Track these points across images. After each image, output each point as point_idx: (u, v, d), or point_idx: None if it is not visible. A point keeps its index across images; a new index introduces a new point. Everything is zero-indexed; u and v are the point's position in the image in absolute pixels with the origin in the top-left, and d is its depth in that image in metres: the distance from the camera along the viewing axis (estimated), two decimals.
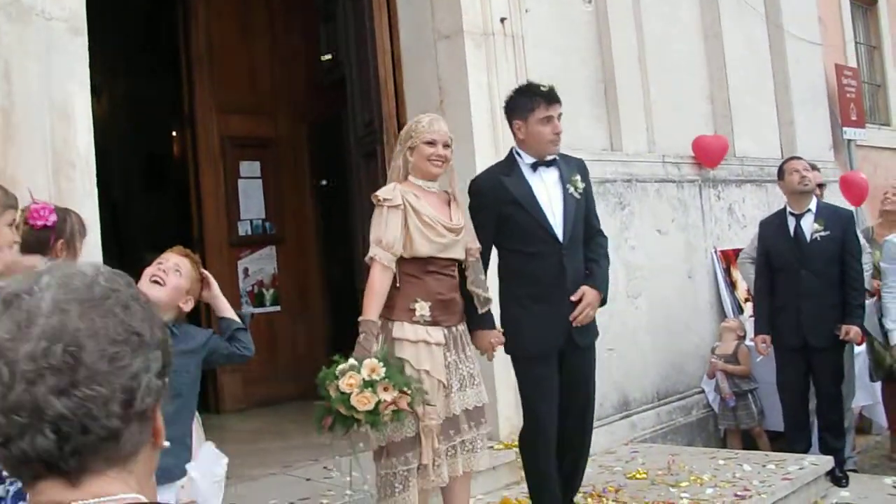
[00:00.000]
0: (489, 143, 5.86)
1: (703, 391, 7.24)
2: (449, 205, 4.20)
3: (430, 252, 4.03)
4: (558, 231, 4.37)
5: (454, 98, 5.96)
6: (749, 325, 7.39)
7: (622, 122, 6.96)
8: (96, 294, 1.10)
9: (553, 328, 4.37)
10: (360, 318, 3.98)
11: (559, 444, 4.50)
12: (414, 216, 4.01)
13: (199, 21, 8.12)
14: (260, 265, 8.35)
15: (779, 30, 9.08)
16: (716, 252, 7.72)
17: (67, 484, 1.08)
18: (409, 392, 3.69)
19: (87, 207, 3.94)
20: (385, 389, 3.64)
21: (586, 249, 4.54)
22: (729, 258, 7.80)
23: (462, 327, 4.19)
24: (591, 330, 4.53)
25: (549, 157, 4.47)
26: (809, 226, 5.98)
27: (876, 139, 11.33)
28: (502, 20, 6.07)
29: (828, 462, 5.76)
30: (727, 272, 7.75)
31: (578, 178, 4.48)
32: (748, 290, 7.64)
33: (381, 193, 4.07)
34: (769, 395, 6.86)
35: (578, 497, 5.14)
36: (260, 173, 8.39)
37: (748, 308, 7.66)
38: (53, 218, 3.61)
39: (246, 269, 8.23)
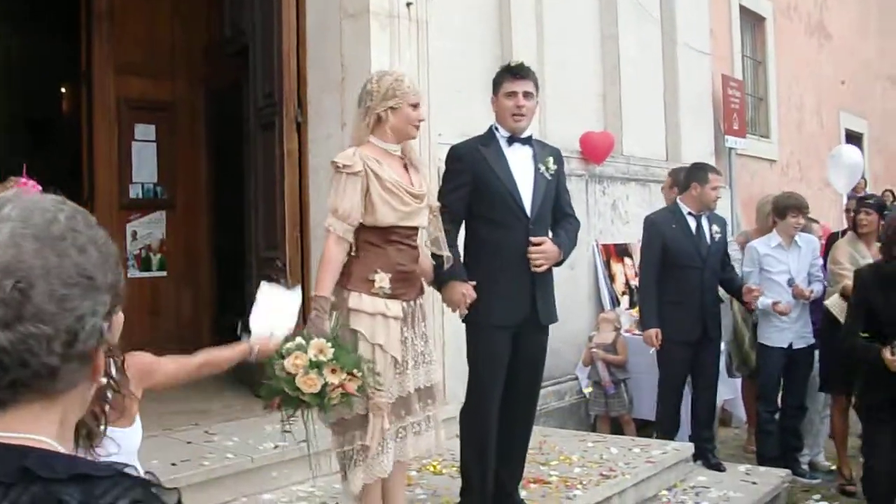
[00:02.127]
0: None
1: (576, 378, 7.51)
2: (407, 169, 4.06)
3: (393, 221, 3.89)
4: (527, 205, 4.43)
5: (356, 77, 6.01)
6: (625, 318, 7.71)
7: None
8: (54, 232, 1.11)
9: (517, 301, 4.41)
10: (313, 294, 3.86)
11: (506, 419, 4.49)
12: (376, 182, 3.84)
13: None
14: (149, 229, 8.30)
15: (672, 37, 9.43)
16: (597, 246, 8.01)
17: None
18: (358, 375, 3.55)
19: None
20: (332, 372, 3.48)
21: (555, 226, 4.63)
22: (610, 252, 8.10)
23: (420, 301, 4.08)
24: (551, 309, 4.59)
25: (525, 135, 4.55)
26: (708, 227, 6.33)
27: (755, 149, 11.85)
28: (408, 4, 6.15)
29: (689, 448, 6.09)
30: (607, 265, 8.05)
31: (551, 159, 4.57)
32: (626, 283, 7.97)
33: (340, 159, 3.88)
34: (639, 386, 7.20)
35: (452, 470, 5.33)
36: (155, 137, 8.32)
37: (624, 300, 7.99)
38: None
39: (134, 233, 8.17)
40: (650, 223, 6.53)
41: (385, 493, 4.07)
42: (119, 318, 1.20)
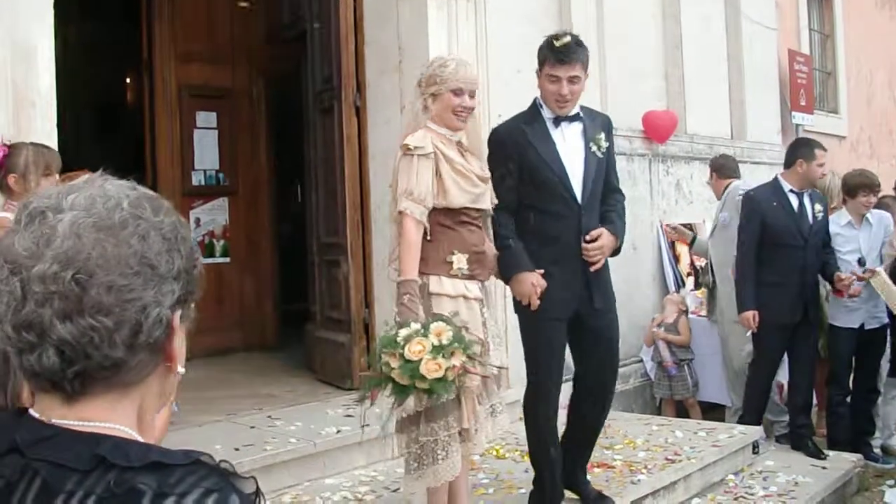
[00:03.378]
0: None
1: (641, 360, 7.42)
2: (463, 155, 3.93)
3: (465, 202, 3.82)
4: (577, 191, 4.19)
5: (413, 59, 6.00)
6: (690, 300, 7.59)
7: None
8: (116, 220, 1.09)
9: (570, 291, 4.22)
10: (399, 279, 3.76)
11: (579, 401, 4.44)
12: (446, 164, 3.77)
13: None
14: (212, 216, 8.36)
15: (736, 12, 9.23)
16: (661, 226, 7.89)
17: (63, 402, 1.10)
18: (474, 356, 3.52)
19: None
20: (453, 354, 3.41)
21: (603, 205, 4.35)
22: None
23: (488, 283, 4.02)
24: (608, 293, 4.38)
25: (572, 113, 4.27)
26: (810, 205, 6.14)
27: (823, 126, 11.57)
28: None
29: (756, 432, 5.98)
30: (671, 246, 7.93)
31: (603, 135, 4.27)
32: (691, 265, 7.82)
33: (411, 141, 3.78)
34: (704, 367, 7.09)
35: (515, 455, 5.30)
36: (216, 124, 8.37)
37: (689, 282, 7.86)
38: (2, 153, 3.71)
39: (198, 220, 8.23)
40: (749, 199, 6.29)
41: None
42: (183, 331, 1.18)
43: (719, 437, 5.73)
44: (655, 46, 8.27)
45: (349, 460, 5.06)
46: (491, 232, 4.09)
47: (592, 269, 4.22)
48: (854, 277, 6.14)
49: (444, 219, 3.82)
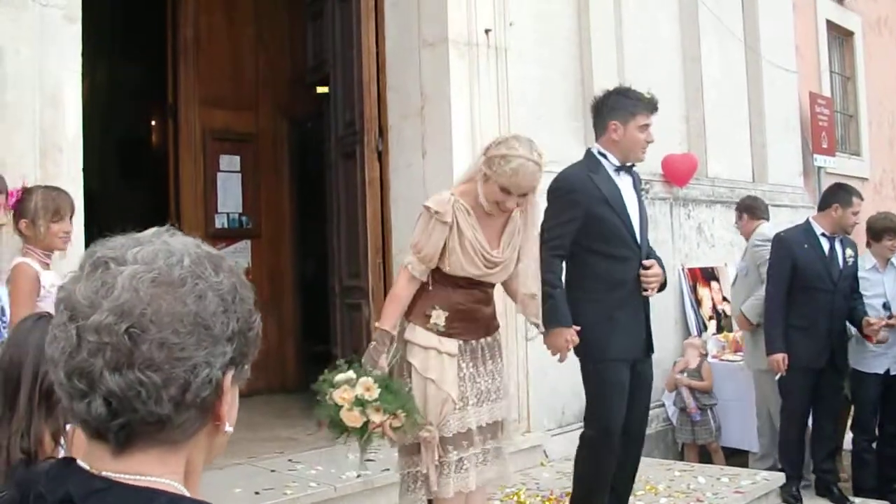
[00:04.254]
0: (468, 151, 5.90)
1: (663, 405, 7.38)
2: (505, 225, 3.93)
3: (463, 274, 3.84)
4: (638, 236, 4.39)
5: (435, 105, 6.07)
6: (712, 343, 7.56)
7: None
8: (175, 277, 1.10)
9: (636, 335, 4.39)
10: (375, 325, 3.91)
11: (622, 441, 4.43)
12: (457, 238, 3.78)
13: (187, 12, 8.19)
14: (235, 258, 8.41)
15: (756, 55, 9.27)
16: (683, 270, 7.88)
17: (110, 453, 1.10)
18: (402, 416, 3.57)
19: (72, 192, 4.03)
20: (376, 411, 3.52)
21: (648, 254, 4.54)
22: (696, 276, 7.96)
23: (488, 340, 3.98)
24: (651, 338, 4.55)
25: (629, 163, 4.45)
26: (841, 250, 6.11)
27: (846, 168, 11.54)
28: (487, 31, 6.18)
29: (779, 478, 5.92)
30: (693, 290, 7.91)
31: (649, 186, 4.57)
32: (713, 308, 7.79)
33: (434, 205, 3.80)
34: (727, 412, 7.04)
35: (536, 500, 5.27)
36: (239, 167, 8.46)
37: (711, 326, 7.83)
38: (15, 198, 3.76)
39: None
40: (780, 240, 6.22)
41: None
42: (237, 390, 1.18)
43: (742, 483, 5.68)
44: (677, 90, 8.31)
45: None
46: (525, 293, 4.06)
47: (646, 294, 4.38)
48: (884, 322, 6.09)
49: (441, 276, 3.84)
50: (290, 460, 5.56)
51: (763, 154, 9.30)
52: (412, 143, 6.16)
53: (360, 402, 3.52)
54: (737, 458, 6.96)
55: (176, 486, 1.11)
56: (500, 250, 3.88)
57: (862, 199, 6.33)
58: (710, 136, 8.42)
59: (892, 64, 13.35)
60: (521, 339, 5.96)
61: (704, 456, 7.06)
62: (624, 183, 4.41)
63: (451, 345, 3.84)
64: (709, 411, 7.05)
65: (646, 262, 4.35)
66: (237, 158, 8.44)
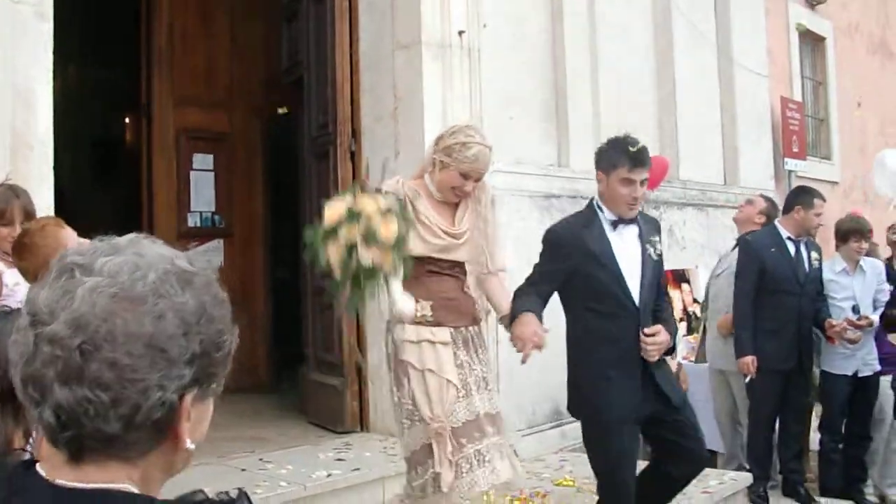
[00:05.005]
0: None
1: None
2: (455, 209, 4.05)
3: (423, 251, 3.90)
4: (635, 294, 4.14)
5: (408, 107, 6.09)
6: (682, 345, 7.61)
7: (571, 140, 7.14)
8: (135, 294, 1.07)
9: (633, 392, 4.12)
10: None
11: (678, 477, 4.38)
12: (412, 213, 3.89)
13: (161, 11, 8.17)
14: (206, 257, 8.37)
15: (728, 60, 9.34)
16: None
17: (65, 461, 1.09)
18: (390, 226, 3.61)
19: (43, 191, 4.04)
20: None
21: (654, 308, 4.30)
22: (667, 278, 8.00)
23: (475, 329, 4.04)
24: (674, 386, 4.37)
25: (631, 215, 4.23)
26: (806, 253, 6.17)
27: (816, 172, 11.64)
28: (460, 33, 6.20)
29: (747, 479, 5.97)
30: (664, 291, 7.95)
31: (657, 238, 4.29)
32: (683, 310, 7.84)
33: (385, 187, 3.95)
34: (696, 414, 7.07)
35: (505, 500, 5.29)
36: (213, 166, 8.44)
37: (682, 327, 7.88)
38: None
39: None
40: (747, 244, 6.31)
41: None
42: (208, 405, 1.16)
43: (710, 483, 5.72)
44: (649, 94, 8.37)
45: None
46: (469, 281, 4.11)
47: (648, 359, 4.14)
48: (845, 324, 6.16)
49: (413, 269, 3.85)
50: (260, 459, 5.55)
51: (734, 157, 9.37)
52: (385, 143, 6.18)
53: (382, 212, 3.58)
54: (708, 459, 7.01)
55: (128, 488, 1.09)
56: (458, 224, 4.00)
57: (824, 200, 6.41)
58: (682, 140, 8.47)
59: (863, 69, 13.50)
60: (491, 340, 6.00)
61: None
62: (623, 236, 4.21)
63: (444, 333, 3.90)
64: None
65: (647, 330, 4.08)
66: (210, 157, 8.43)
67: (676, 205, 8.33)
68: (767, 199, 7.07)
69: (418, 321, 3.88)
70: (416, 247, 3.86)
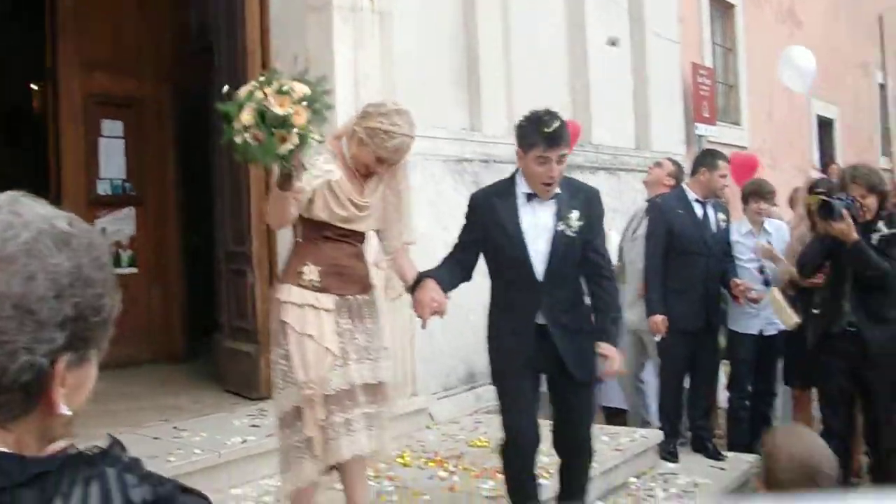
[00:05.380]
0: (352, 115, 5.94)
1: None
2: (366, 179, 3.98)
3: (325, 218, 3.87)
4: (539, 268, 4.15)
5: (320, 71, 5.97)
6: None
7: (483, 104, 7.17)
8: (5, 253, 1.04)
9: (523, 343, 4.21)
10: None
11: (559, 450, 4.49)
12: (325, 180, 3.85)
13: None
14: (118, 226, 8.25)
15: (640, 26, 9.46)
16: None
17: None
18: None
19: None
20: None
21: (593, 299, 4.34)
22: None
23: (365, 298, 3.99)
24: (587, 363, 4.32)
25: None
26: (714, 215, 6.28)
27: (726, 137, 11.90)
28: None
29: (657, 436, 6.12)
30: None
31: (576, 213, 4.17)
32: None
33: (322, 160, 3.87)
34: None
35: (420, 462, 5.35)
36: (122, 133, 8.28)
37: None
38: None
39: (103, 229, 8.12)
40: (656, 207, 6.41)
41: (346, 486, 4.06)
42: (88, 371, 1.13)
43: (621, 441, 5.85)
44: (562, 59, 8.43)
45: (255, 470, 5.05)
46: (371, 250, 4.12)
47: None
48: (749, 284, 6.30)
49: (310, 231, 3.89)
50: (174, 428, 5.51)
51: (646, 122, 9.51)
52: None
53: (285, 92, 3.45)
54: (617, 418, 7.16)
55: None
56: (364, 197, 3.94)
57: (728, 161, 6.55)
58: (595, 104, 8.57)
59: (772, 36, 13.77)
60: (408, 303, 6.03)
61: None
62: (535, 211, 4.20)
63: (328, 300, 3.87)
64: None
65: (602, 350, 4.23)
66: (119, 124, 8.26)
67: (588, 169, 8.42)
68: (675, 163, 7.20)
69: (304, 285, 3.85)
70: (320, 211, 3.85)
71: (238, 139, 3.47)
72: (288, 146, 3.44)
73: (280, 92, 3.44)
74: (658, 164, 7.17)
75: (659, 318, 6.11)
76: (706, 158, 6.43)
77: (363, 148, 3.87)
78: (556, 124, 4.10)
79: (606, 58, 8.81)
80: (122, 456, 1.09)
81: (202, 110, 7.45)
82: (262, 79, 3.55)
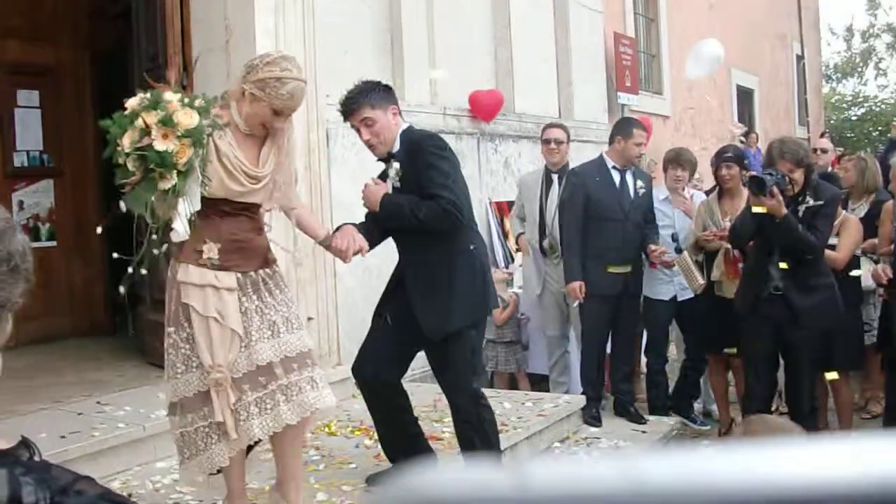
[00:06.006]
0: None
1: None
2: (262, 144, 3.83)
3: (223, 195, 3.68)
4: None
5: (240, 38, 5.96)
6: (519, 275, 7.81)
7: (406, 73, 7.16)
8: None
9: (394, 301, 4.50)
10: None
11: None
12: (214, 153, 3.61)
13: None
14: (36, 198, 8.09)
15: None
16: (490, 203, 8.08)
17: None
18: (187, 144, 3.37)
19: None
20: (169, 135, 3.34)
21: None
22: (503, 210, 8.18)
23: (267, 272, 3.84)
24: (438, 320, 4.39)
25: (395, 149, 4.38)
26: (632, 182, 6.38)
27: (648, 106, 12.05)
28: None
29: (580, 401, 6.23)
30: (500, 223, 8.13)
31: (396, 166, 4.32)
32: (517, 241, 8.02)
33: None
34: (532, 341, 7.31)
35: (346, 431, 5.38)
36: (39, 103, 8.09)
37: (518, 258, 8.07)
38: None
39: (21, 203, 7.95)
40: (573, 174, 6.50)
41: (277, 458, 3.96)
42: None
43: (545, 407, 5.95)
44: (484, 27, 8.45)
45: None
46: (266, 223, 3.98)
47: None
48: (664, 249, 6.41)
49: (207, 207, 3.64)
50: (98, 402, 5.46)
51: (569, 91, 9.59)
52: (217, 77, 6.01)
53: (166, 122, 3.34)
54: (542, 384, 7.26)
55: None
56: (259, 167, 3.78)
57: (644, 130, 6.67)
58: (518, 73, 8.61)
59: (692, 7, 13.95)
60: (330, 274, 6.03)
61: (513, 383, 7.33)
62: (389, 172, 4.41)
63: (229, 278, 3.70)
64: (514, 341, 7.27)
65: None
66: (35, 93, 8.07)
67: (511, 137, 8.49)
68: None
69: (203, 264, 3.68)
70: (215, 190, 3.63)
71: (120, 160, 3.43)
72: (166, 184, 3.35)
73: (164, 122, 3.32)
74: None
75: (577, 285, 6.20)
76: (623, 127, 6.53)
77: (256, 103, 3.66)
78: (344, 96, 4.40)
79: (530, 27, 8.84)
80: (21, 456, 1.09)
81: (121, 76, 7.31)
82: (147, 101, 3.42)
